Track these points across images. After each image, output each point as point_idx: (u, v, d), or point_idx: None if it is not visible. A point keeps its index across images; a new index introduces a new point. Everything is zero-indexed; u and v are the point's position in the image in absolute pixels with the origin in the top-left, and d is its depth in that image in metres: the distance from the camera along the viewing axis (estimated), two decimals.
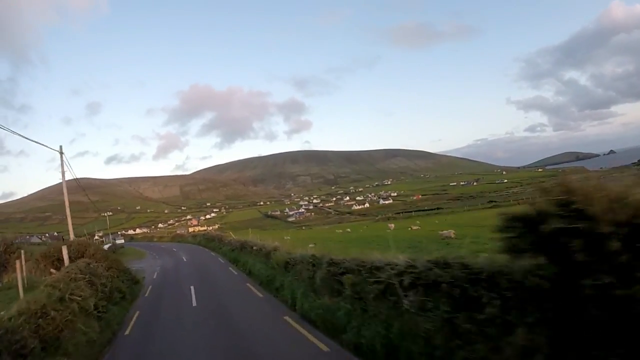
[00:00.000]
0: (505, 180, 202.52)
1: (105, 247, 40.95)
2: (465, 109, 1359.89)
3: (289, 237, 30.76)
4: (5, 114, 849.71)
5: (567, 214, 4.05)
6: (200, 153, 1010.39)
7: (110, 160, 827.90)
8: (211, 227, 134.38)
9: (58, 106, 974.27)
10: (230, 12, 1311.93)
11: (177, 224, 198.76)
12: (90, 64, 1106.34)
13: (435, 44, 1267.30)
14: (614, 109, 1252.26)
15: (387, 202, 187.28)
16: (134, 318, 13.95)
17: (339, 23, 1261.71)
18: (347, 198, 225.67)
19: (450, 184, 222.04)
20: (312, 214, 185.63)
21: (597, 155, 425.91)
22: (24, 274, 16.07)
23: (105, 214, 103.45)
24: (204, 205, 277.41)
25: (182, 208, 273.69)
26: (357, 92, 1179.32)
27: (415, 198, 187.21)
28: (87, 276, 12.98)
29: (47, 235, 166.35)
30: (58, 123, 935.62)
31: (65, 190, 21.12)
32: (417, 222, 57.88)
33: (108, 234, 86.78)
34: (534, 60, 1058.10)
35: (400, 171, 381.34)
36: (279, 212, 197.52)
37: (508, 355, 4.57)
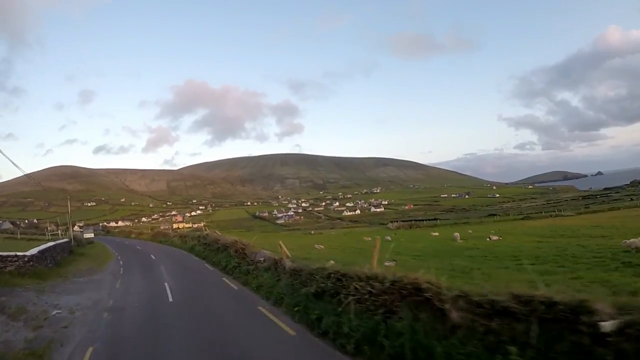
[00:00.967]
0: (497, 195, 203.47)
1: (50, 244, 29.82)
2: (457, 122, 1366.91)
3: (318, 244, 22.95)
4: None
5: None
6: (190, 149, 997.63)
7: (98, 150, 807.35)
8: (196, 225, 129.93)
9: (51, 91, 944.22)
10: (233, 10, 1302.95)
11: (161, 219, 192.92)
12: (86, 51, 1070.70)
13: (432, 55, 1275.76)
14: (603, 131, 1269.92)
15: (378, 209, 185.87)
16: None
17: (340, 27, 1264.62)
18: (337, 204, 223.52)
19: (442, 196, 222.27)
20: (302, 217, 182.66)
21: (585, 176, 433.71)
22: None
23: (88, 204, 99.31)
24: (190, 202, 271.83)
25: (168, 203, 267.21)
26: (352, 98, 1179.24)
27: (407, 207, 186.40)
28: None
29: (26, 221, 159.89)
30: (50, 108, 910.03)
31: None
32: (457, 231, 45.05)
33: (89, 225, 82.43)
34: (528, 78, 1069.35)
35: (390, 180, 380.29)
36: (267, 214, 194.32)
37: None
